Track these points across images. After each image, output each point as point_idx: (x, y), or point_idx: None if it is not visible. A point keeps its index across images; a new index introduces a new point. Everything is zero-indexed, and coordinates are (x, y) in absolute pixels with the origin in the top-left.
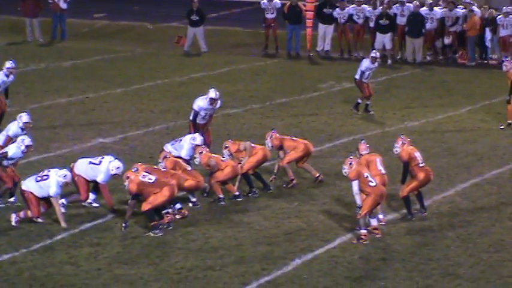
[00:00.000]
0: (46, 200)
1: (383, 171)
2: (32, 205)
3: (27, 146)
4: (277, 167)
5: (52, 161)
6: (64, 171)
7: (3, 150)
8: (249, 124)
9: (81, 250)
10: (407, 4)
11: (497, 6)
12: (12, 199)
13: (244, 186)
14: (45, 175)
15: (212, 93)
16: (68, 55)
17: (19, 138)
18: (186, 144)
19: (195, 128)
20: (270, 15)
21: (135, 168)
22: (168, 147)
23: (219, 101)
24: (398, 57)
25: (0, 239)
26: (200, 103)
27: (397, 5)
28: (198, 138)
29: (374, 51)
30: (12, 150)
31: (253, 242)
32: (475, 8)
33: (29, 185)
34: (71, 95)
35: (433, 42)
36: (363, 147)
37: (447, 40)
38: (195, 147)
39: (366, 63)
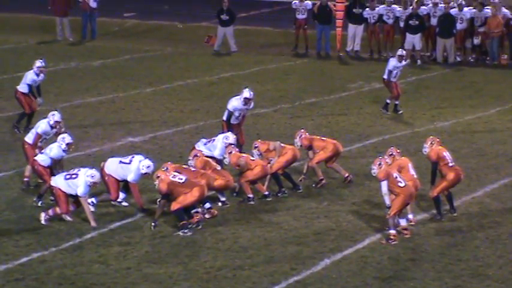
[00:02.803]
0: (76, 199)
1: (415, 176)
2: (61, 201)
3: (67, 144)
4: (307, 167)
5: (82, 160)
6: (93, 171)
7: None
8: (278, 124)
9: (110, 249)
10: (440, 5)
11: None
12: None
13: (274, 186)
14: (75, 174)
15: (246, 93)
16: (97, 54)
17: (59, 137)
18: (219, 143)
19: (229, 128)
20: (300, 16)
21: (165, 168)
22: (201, 148)
23: (252, 101)
24: (430, 57)
25: (30, 237)
26: (235, 103)
27: (430, 5)
28: (230, 137)
29: (400, 49)
30: (54, 150)
31: (283, 241)
32: (504, 9)
33: (58, 181)
34: (101, 94)
35: (463, 43)
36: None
37: (476, 40)
38: (227, 146)
39: (393, 62)
